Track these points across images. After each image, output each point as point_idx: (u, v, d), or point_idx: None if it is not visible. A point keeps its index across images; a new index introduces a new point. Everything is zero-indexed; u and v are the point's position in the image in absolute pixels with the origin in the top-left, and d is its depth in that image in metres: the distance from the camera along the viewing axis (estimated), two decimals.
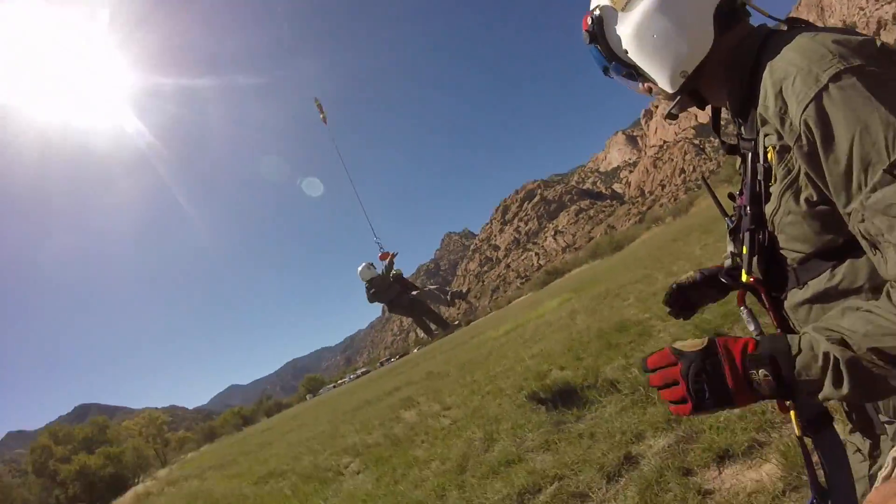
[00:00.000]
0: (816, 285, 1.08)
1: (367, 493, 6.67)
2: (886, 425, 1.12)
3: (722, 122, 1.39)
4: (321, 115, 9.48)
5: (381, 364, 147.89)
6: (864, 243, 0.94)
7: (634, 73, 1.31)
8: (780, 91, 1.00)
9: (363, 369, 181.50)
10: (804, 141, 0.96)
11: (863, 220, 0.90)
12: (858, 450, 1.27)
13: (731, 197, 1.32)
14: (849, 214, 0.94)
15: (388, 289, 8.99)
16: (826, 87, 0.92)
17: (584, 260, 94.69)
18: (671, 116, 1.39)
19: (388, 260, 9.23)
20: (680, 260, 13.87)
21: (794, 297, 1.15)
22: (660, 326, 7.68)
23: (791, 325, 1.20)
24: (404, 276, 9.72)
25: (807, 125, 0.94)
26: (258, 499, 9.76)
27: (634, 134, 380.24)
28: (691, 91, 1.27)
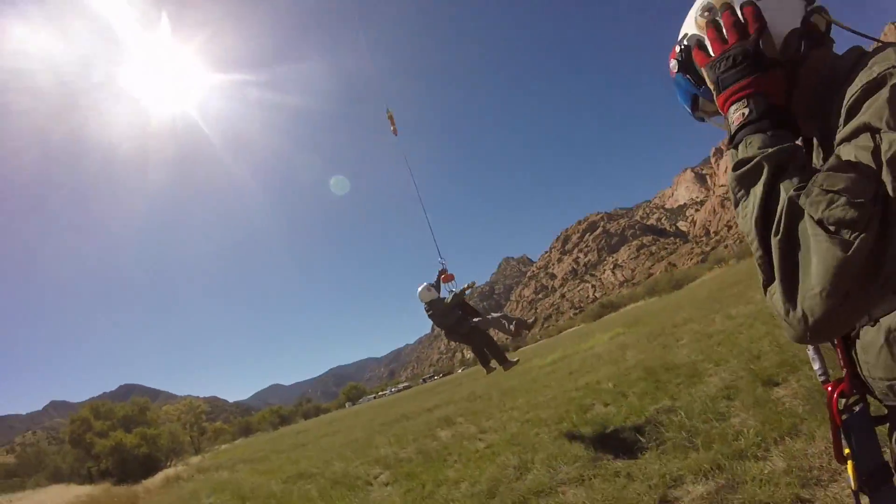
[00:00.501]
0: (890, 323, 0.96)
1: None
2: None
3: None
4: (392, 127, 9.00)
5: (424, 381, 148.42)
6: None
7: None
8: (854, 95, 0.97)
9: (405, 384, 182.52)
10: (841, 122, 0.98)
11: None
12: None
13: None
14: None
15: (447, 313, 8.40)
16: (874, 80, 0.93)
17: (641, 296, 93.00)
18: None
19: (449, 282, 8.77)
20: (740, 304, 13.42)
21: (867, 335, 1.03)
22: (711, 370, 7.42)
23: (859, 368, 1.09)
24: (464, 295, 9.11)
25: (849, 108, 0.96)
26: (285, 497, 9.82)
27: (704, 172, 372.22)
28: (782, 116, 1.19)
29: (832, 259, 0.82)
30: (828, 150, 1.09)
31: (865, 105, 0.91)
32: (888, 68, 0.92)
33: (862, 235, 0.81)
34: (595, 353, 17.81)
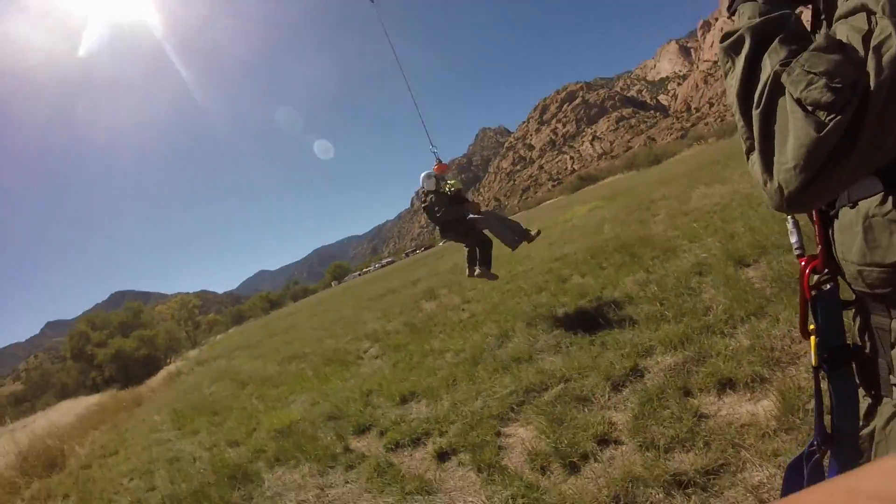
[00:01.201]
0: (866, 208, 0.95)
1: (383, 376, 7.00)
2: (894, 388, 1.03)
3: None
4: None
5: (407, 255, 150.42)
6: None
7: None
8: None
9: (388, 259, 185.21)
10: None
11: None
12: None
13: None
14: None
15: (448, 206, 7.56)
16: None
17: (620, 169, 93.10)
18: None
19: (443, 173, 8.03)
20: (717, 183, 13.54)
21: (844, 216, 1.02)
22: (686, 246, 7.62)
23: (834, 248, 1.09)
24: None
25: None
26: (281, 377, 10.28)
27: (689, 45, 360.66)
28: None
29: (805, 137, 0.84)
30: (830, 16, 1.01)
31: None
32: None
33: (836, 118, 0.82)
34: (573, 225, 18.14)
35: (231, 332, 69.29)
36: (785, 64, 0.91)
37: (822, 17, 1.09)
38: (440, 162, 8.11)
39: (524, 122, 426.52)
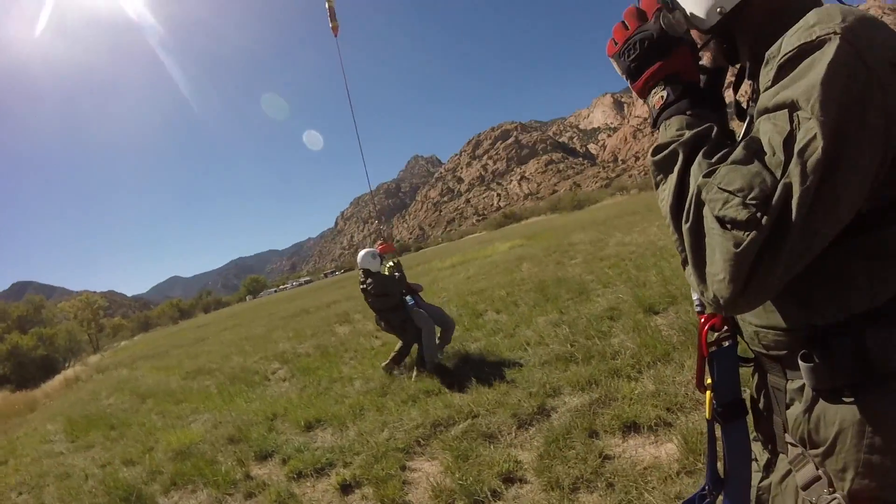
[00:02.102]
0: None
1: (289, 400, 6.78)
2: (790, 446, 1.09)
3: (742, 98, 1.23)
4: (332, 24, 7.06)
5: (326, 275, 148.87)
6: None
7: (671, 2, 1.13)
8: (781, 41, 0.92)
9: (306, 278, 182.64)
10: (769, 78, 0.91)
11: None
12: (755, 459, 1.27)
13: None
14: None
15: (390, 291, 6.71)
16: (811, 41, 0.85)
17: (544, 210, 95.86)
18: (703, 70, 1.18)
19: (387, 254, 7.22)
20: (634, 233, 14.09)
21: None
22: (599, 290, 7.86)
23: None
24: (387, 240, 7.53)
25: (774, 71, 0.90)
26: (184, 393, 9.80)
27: (623, 100, 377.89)
28: (727, 37, 1.13)
29: (727, 252, 0.84)
30: (755, 79, 1.06)
31: (797, 72, 0.86)
32: (828, 33, 0.84)
33: (752, 235, 0.82)
34: (493, 261, 18.42)
35: (136, 340, 66.18)
36: (708, 176, 0.91)
37: (747, 78, 1.15)
38: (384, 241, 7.43)
39: (457, 155, 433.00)
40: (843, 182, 0.81)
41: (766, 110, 0.89)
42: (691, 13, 1.08)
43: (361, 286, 6.90)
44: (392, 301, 6.68)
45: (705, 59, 1.18)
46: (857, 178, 0.81)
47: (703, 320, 1.18)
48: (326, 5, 6.40)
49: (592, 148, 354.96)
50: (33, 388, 27.23)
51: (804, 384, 0.99)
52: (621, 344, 5.10)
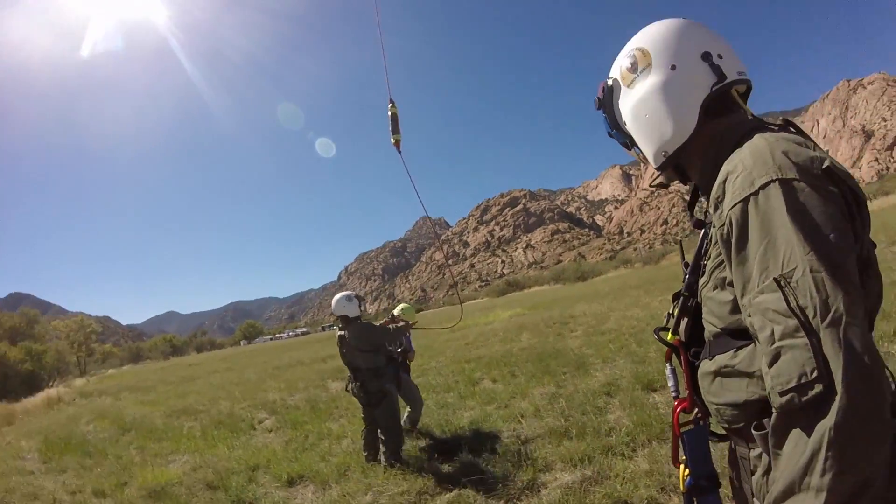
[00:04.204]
0: (721, 360, 1.16)
1: (273, 452, 6.63)
2: None
3: (699, 203, 1.46)
4: (393, 139, 6.19)
5: (324, 328, 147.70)
6: (752, 333, 1.00)
7: (630, 143, 1.43)
8: (725, 181, 1.08)
9: (304, 329, 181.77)
10: (725, 231, 1.05)
11: (749, 315, 0.99)
12: None
13: (685, 264, 1.39)
14: (743, 307, 1.02)
15: (369, 347, 5.43)
16: (756, 193, 0.99)
17: (547, 280, 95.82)
18: (661, 186, 1.50)
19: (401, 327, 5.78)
20: (636, 307, 14.03)
21: (704, 366, 1.22)
22: (598, 364, 7.77)
23: (700, 391, 1.27)
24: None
25: (731, 221, 1.03)
26: (166, 431, 9.60)
27: (631, 172, 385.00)
28: (676, 166, 1.36)
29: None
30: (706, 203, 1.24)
31: (764, 248, 0.96)
32: (750, 193, 0.99)
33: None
34: (493, 328, 18.27)
35: (125, 369, 65.55)
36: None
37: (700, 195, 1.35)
38: (404, 308, 6.35)
39: (464, 219, 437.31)
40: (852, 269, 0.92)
41: (744, 293, 1.01)
42: (644, 155, 1.38)
43: (338, 332, 5.72)
44: (376, 360, 5.42)
45: (663, 178, 1.41)
46: (853, 262, 0.94)
47: (676, 403, 1.35)
48: (389, 113, 5.35)
49: (599, 219, 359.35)
50: (13, 401, 26.72)
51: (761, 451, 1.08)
52: (617, 420, 5.02)
